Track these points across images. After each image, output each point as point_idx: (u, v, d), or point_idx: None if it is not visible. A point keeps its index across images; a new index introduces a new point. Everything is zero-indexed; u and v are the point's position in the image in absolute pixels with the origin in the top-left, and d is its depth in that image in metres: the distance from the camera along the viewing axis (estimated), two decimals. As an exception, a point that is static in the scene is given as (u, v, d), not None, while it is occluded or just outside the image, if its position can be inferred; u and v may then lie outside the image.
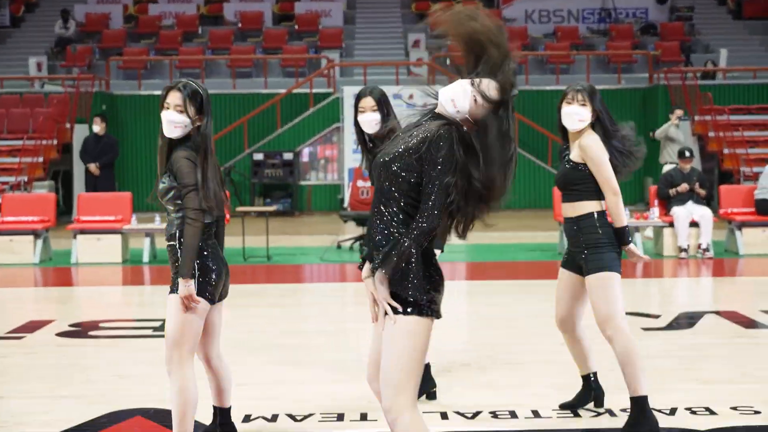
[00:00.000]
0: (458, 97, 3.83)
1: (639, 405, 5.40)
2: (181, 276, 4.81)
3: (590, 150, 5.54)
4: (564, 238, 14.43)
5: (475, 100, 3.81)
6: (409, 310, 3.86)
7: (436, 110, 3.93)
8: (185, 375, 4.88)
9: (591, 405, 5.97)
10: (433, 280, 3.91)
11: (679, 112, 17.67)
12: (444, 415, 5.86)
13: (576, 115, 5.60)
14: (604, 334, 5.53)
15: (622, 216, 5.54)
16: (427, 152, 3.79)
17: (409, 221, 3.84)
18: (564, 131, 5.78)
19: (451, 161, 3.79)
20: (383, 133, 5.76)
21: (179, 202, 4.95)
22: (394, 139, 3.97)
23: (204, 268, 4.88)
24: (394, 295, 3.87)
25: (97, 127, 18.37)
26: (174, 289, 4.88)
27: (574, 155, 5.64)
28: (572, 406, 5.93)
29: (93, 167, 18.12)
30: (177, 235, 4.94)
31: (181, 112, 4.92)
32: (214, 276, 4.90)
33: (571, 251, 5.73)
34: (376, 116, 5.87)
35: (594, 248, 5.51)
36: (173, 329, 4.87)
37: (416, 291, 3.84)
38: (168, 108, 4.94)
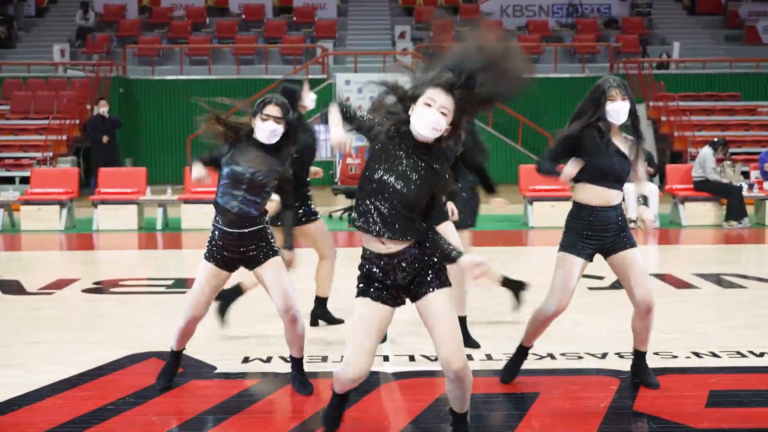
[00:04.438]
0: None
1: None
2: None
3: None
4: (531, 212, 14.83)
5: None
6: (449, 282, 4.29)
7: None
8: None
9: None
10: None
11: None
12: (411, 358, 6.32)
13: (623, 110, 5.34)
14: (651, 301, 5.38)
15: None
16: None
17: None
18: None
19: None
20: None
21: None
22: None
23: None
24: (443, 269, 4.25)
25: (104, 109, 18.87)
26: (274, 254, 5.39)
27: (624, 147, 5.42)
28: None
29: (105, 138, 18.68)
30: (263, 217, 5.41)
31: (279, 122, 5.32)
32: None
33: (593, 236, 5.37)
34: None
35: (627, 227, 5.44)
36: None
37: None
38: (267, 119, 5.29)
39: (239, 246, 5.32)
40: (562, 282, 5.39)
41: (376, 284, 4.23)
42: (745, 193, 14.95)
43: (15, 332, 7.33)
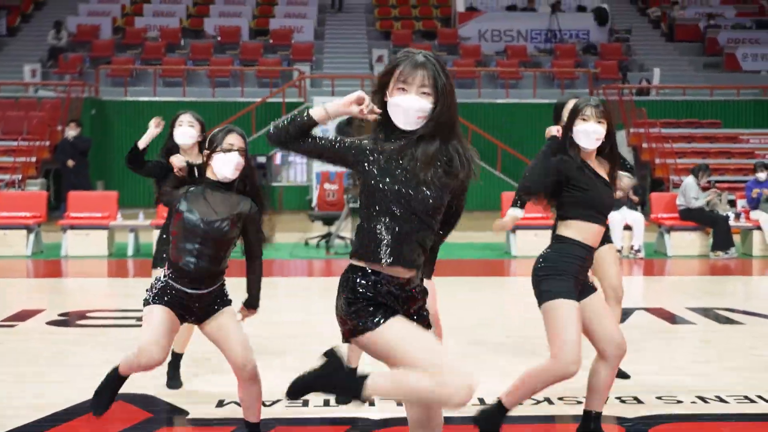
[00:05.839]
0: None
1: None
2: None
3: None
4: (514, 241, 14.43)
5: None
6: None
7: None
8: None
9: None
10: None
11: None
12: (400, 403, 5.88)
13: (595, 133, 4.74)
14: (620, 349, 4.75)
15: None
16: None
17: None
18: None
19: None
20: None
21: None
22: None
23: None
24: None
25: (73, 132, 18.37)
26: (227, 303, 4.77)
27: (603, 172, 4.89)
28: None
29: (70, 162, 18.19)
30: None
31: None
32: None
33: (581, 279, 4.73)
34: None
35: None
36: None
37: None
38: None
39: (197, 305, 4.66)
40: (575, 331, 4.49)
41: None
42: (731, 222, 14.65)
43: (-28, 370, 6.85)
